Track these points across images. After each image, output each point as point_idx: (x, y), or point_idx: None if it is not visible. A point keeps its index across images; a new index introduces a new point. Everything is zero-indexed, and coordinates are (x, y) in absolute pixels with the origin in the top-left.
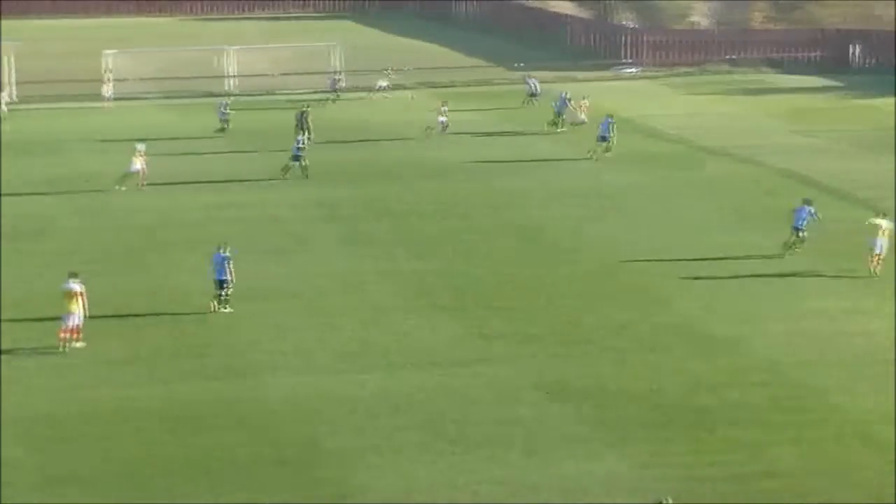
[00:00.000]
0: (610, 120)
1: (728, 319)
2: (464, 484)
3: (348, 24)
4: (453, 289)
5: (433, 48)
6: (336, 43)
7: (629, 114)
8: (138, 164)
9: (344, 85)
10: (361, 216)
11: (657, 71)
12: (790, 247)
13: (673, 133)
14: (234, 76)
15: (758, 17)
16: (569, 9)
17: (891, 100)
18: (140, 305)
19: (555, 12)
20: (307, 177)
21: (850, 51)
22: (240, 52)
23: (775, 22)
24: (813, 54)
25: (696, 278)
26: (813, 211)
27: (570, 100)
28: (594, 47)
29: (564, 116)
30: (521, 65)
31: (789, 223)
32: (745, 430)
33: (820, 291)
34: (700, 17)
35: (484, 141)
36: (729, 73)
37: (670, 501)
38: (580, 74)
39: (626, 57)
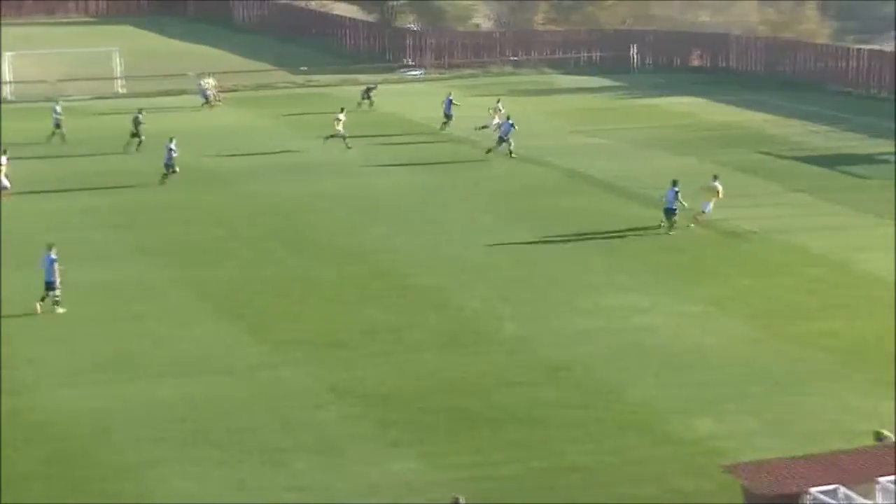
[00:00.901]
0: (510, 122)
1: (516, 318)
2: (255, 490)
3: (127, 29)
4: (238, 295)
5: (215, 52)
6: (115, 48)
7: (414, 116)
8: (3, 178)
9: (126, 91)
10: (156, 223)
11: (441, 73)
12: (670, 226)
13: (458, 134)
14: (11, 82)
15: (539, 19)
16: (352, 12)
17: (670, 99)
18: None
19: (338, 15)
20: (165, 182)
21: (630, 51)
22: (15, 58)
23: (556, 23)
24: (593, 55)
25: (482, 278)
26: (678, 191)
27: (453, 100)
28: (378, 50)
29: (452, 119)
30: (305, 68)
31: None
32: (535, 428)
33: (608, 288)
34: (482, 19)
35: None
36: (512, 73)
37: (463, 500)
38: (364, 77)
39: (410, 59)
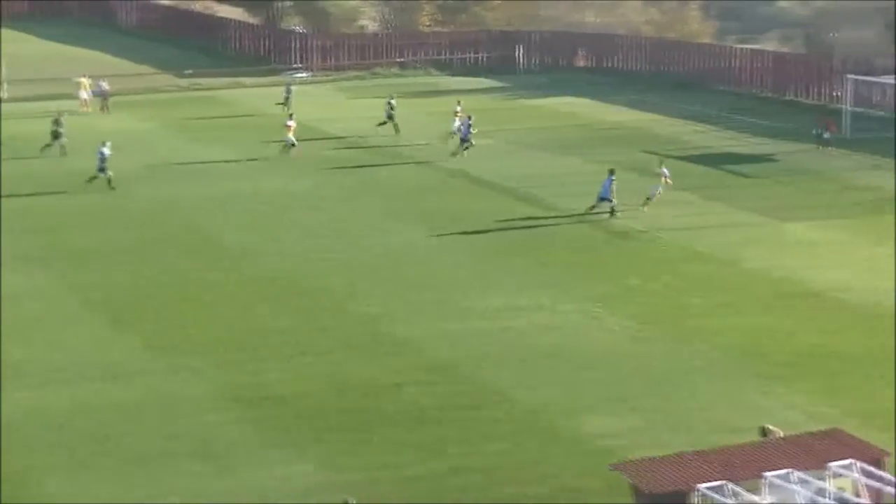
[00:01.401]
0: (469, 121)
1: (408, 319)
2: (145, 498)
3: (6, 33)
4: (121, 301)
5: (98, 56)
6: None
7: (301, 118)
8: None
9: (7, 96)
10: (35, 229)
11: (327, 75)
12: (611, 213)
13: (344, 136)
14: None
15: (425, 20)
16: (237, 14)
17: (556, 99)
18: None
19: (222, 17)
20: (113, 188)
21: (516, 52)
22: None
23: (443, 24)
24: (480, 56)
25: (375, 279)
26: (613, 180)
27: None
28: (264, 52)
29: (396, 121)
30: (191, 71)
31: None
32: (428, 429)
33: (496, 288)
34: (369, 21)
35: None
36: (399, 75)
37: (353, 501)
38: (249, 80)
39: (296, 62)
